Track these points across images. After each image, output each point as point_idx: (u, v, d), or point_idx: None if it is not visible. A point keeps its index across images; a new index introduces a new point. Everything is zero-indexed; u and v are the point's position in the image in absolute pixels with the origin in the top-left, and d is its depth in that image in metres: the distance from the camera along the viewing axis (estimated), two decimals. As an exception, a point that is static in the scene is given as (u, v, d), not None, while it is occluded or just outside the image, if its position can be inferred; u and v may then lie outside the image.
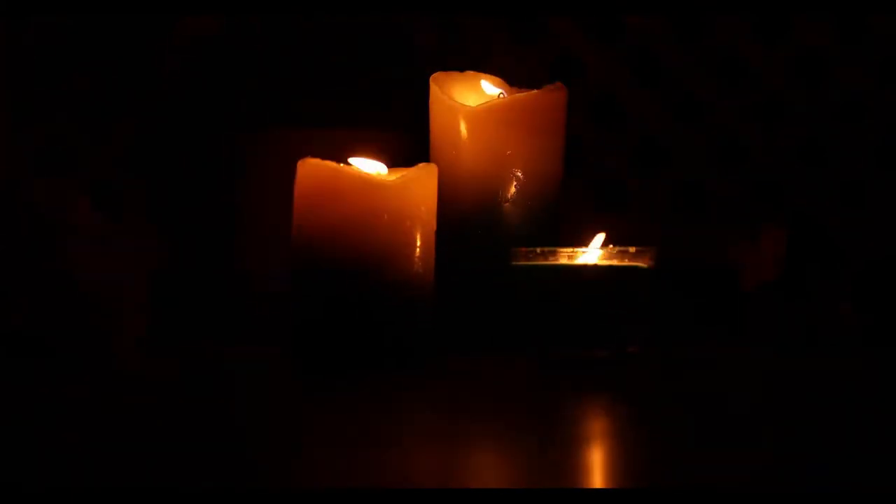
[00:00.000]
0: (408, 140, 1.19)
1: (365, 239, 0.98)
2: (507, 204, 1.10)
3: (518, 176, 1.10)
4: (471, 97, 1.13)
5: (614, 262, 1.01)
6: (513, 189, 1.10)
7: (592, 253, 1.01)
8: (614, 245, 1.01)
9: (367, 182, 0.99)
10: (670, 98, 1.34)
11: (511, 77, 1.15)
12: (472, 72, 1.15)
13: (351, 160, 1.02)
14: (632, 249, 1.01)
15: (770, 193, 1.34)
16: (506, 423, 0.80)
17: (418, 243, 1.00)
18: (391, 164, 1.03)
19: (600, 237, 1.01)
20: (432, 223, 1.02)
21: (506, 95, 1.13)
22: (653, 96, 1.34)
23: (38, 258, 1.21)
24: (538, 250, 1.02)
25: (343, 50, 1.31)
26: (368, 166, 1.02)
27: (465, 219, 1.10)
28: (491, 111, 1.10)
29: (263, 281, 1.25)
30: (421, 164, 1.02)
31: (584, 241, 1.02)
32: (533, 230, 1.10)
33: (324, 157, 1.00)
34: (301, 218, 0.99)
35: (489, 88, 1.13)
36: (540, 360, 1.03)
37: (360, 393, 0.91)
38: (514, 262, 1.03)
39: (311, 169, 0.99)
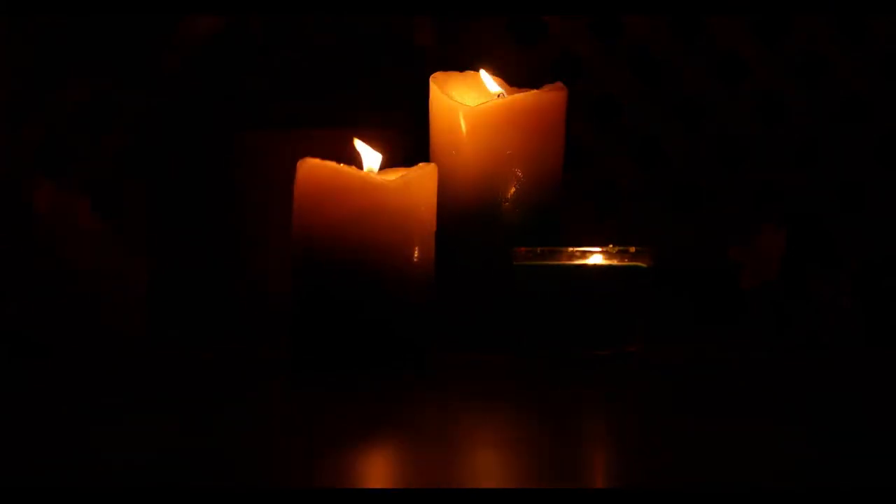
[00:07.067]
0: (408, 140, 1.19)
1: (365, 239, 0.98)
2: (507, 204, 1.10)
3: (518, 176, 1.10)
4: (471, 97, 1.13)
5: (614, 262, 1.01)
6: (513, 189, 1.10)
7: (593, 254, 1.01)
8: (614, 245, 1.01)
9: (367, 182, 0.99)
10: (670, 98, 1.34)
11: (511, 77, 1.15)
12: (472, 72, 1.15)
13: (356, 140, 1.02)
14: (632, 249, 1.01)
15: (770, 193, 1.34)
16: (505, 423, 0.80)
17: (418, 243, 1.00)
18: (391, 165, 1.03)
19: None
20: (432, 223, 1.02)
21: (506, 95, 1.13)
22: (653, 96, 1.34)
23: (37, 257, 1.21)
24: (538, 250, 1.02)
25: (343, 50, 1.31)
26: (368, 153, 1.02)
27: (465, 219, 1.10)
28: (491, 111, 1.10)
29: (263, 281, 1.25)
30: (421, 164, 1.02)
31: (583, 242, 1.02)
32: (533, 230, 1.09)
33: (324, 157, 1.00)
34: (301, 218, 0.99)
35: (490, 82, 1.13)
36: (540, 360, 1.03)
37: (359, 392, 0.91)
38: (514, 262, 1.03)
39: (311, 169, 0.99)
